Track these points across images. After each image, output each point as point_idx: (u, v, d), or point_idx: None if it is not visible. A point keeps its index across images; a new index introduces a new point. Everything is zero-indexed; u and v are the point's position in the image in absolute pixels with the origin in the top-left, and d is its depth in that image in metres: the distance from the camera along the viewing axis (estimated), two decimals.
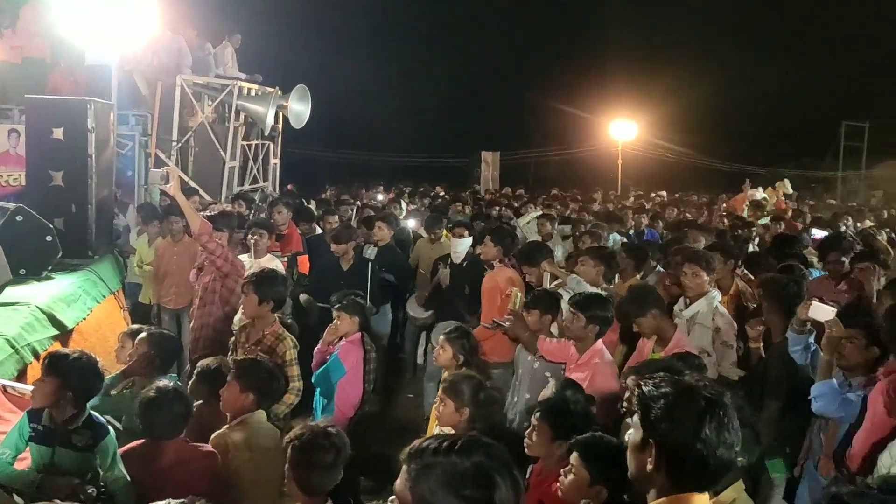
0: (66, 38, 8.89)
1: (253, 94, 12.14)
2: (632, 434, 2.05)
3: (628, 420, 2.11)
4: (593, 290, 5.21)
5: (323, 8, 31.38)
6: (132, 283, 8.02)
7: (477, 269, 6.65)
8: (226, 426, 3.85)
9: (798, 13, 37.79)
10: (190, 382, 4.33)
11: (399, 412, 7.22)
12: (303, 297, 6.85)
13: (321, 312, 6.43)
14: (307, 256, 7.56)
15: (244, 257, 6.50)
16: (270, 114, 11.57)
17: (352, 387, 5.13)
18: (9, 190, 8.28)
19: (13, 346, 4.56)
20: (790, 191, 16.96)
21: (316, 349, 5.27)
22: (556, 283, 5.78)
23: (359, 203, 12.75)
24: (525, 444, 3.45)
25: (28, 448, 3.55)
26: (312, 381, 5.11)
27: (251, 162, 12.50)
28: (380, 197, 15.13)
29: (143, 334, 4.50)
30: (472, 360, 4.48)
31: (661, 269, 6.84)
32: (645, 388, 2.00)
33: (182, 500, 2.44)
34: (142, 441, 3.67)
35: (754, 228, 10.53)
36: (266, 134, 12.74)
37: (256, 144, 12.73)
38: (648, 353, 4.58)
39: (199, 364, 4.45)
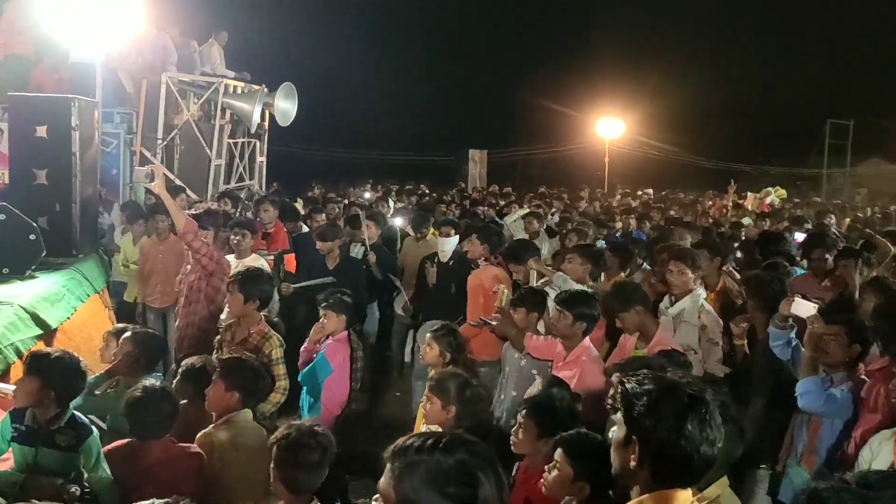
0: (51, 36, 8.82)
1: (239, 91, 12.10)
2: (615, 431, 2.06)
3: (613, 417, 2.12)
4: (579, 287, 5.23)
5: (310, 6, 31.30)
6: (116, 281, 7.97)
7: (464, 268, 6.65)
8: (211, 425, 3.84)
9: (784, 13, 38.07)
10: (174, 381, 4.30)
11: (386, 410, 7.22)
12: (284, 285, 6.82)
13: (308, 311, 6.41)
14: (294, 255, 7.54)
15: (230, 257, 6.48)
16: (257, 111, 11.53)
17: (338, 385, 5.12)
18: None
19: None
20: (777, 199, 16.94)
21: (303, 348, 5.26)
22: (542, 280, 5.79)
23: (346, 201, 12.73)
24: (511, 442, 3.46)
25: (10, 449, 3.52)
26: (299, 379, 5.10)
27: (237, 160, 12.45)
28: (367, 195, 15.11)
29: (127, 333, 4.47)
30: (459, 358, 4.49)
31: (648, 267, 6.88)
32: (628, 385, 2.01)
33: (167, 499, 2.43)
34: (127, 440, 3.65)
35: (743, 228, 10.59)
36: (252, 132, 12.70)
37: (243, 142, 12.68)
38: (631, 349, 4.61)
39: (183, 363, 4.43)
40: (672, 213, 13.86)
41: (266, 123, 13.09)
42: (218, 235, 6.82)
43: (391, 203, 11.71)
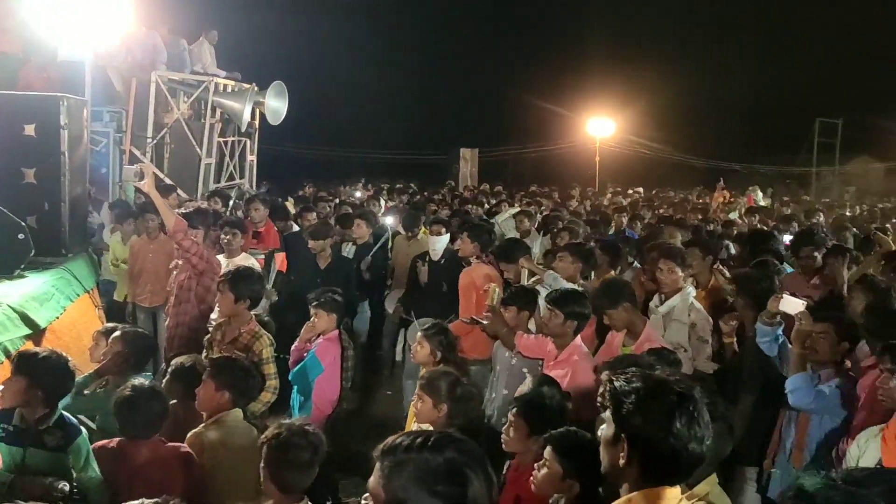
0: (39, 34, 8.76)
1: (229, 90, 12.07)
2: (604, 429, 2.07)
3: (602, 415, 2.13)
4: (570, 286, 5.24)
5: (301, 4, 31.23)
6: (105, 280, 7.93)
7: (455, 266, 6.65)
8: (201, 425, 3.82)
9: (773, 12, 38.23)
10: (164, 381, 4.29)
11: (377, 409, 7.21)
12: (268, 291, 6.76)
13: (298, 310, 6.39)
14: (285, 254, 7.52)
15: (220, 256, 6.46)
16: (247, 110, 11.51)
17: (329, 384, 5.12)
18: None
19: None
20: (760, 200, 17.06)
21: (293, 347, 5.25)
22: (533, 279, 5.80)
23: (337, 200, 12.71)
24: (502, 440, 3.47)
25: None
26: (290, 378, 5.10)
27: (227, 159, 12.43)
28: (358, 194, 15.10)
29: (116, 333, 4.45)
30: (450, 357, 4.49)
31: (638, 265, 6.89)
32: (617, 384, 2.02)
33: (156, 499, 2.42)
34: (116, 439, 3.63)
35: (735, 227, 10.62)
36: (243, 130, 12.66)
37: (233, 141, 12.65)
38: (618, 346, 4.62)
39: (173, 362, 4.42)
40: (661, 211, 13.91)
41: (256, 122, 13.05)
42: (208, 234, 6.80)
43: (382, 202, 11.70)
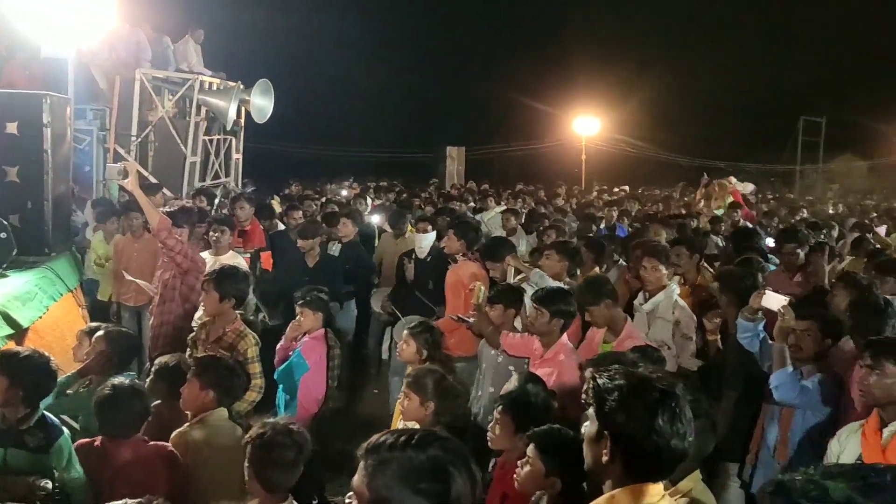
0: (22, 31, 8.68)
1: (215, 88, 11.99)
2: (587, 426, 2.08)
3: (586, 412, 2.14)
4: (556, 284, 5.25)
5: (287, 1, 31.11)
6: (88, 279, 7.87)
7: (441, 264, 6.66)
8: (186, 424, 3.81)
9: (758, 11, 38.46)
10: (148, 380, 4.27)
11: (364, 408, 7.20)
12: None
13: (285, 308, 6.38)
14: (270, 252, 7.50)
15: (206, 254, 6.43)
16: (232, 108, 11.45)
17: (314, 383, 5.11)
18: None
19: None
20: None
21: (279, 345, 5.24)
22: (519, 277, 5.81)
23: (323, 199, 12.68)
24: (488, 438, 3.48)
25: None
26: (275, 377, 5.08)
27: (213, 157, 12.35)
28: (343, 192, 15.06)
29: (100, 332, 4.43)
30: (436, 355, 4.49)
31: (623, 263, 6.92)
32: (599, 381, 2.03)
33: (139, 499, 2.42)
34: (97, 438, 3.60)
35: (722, 224, 10.67)
36: (228, 129, 12.60)
37: (218, 139, 12.58)
38: (599, 343, 4.64)
39: (157, 361, 4.39)
40: (646, 208, 13.96)
41: (242, 120, 12.98)
42: (193, 233, 6.77)
43: (369, 200, 11.68)
